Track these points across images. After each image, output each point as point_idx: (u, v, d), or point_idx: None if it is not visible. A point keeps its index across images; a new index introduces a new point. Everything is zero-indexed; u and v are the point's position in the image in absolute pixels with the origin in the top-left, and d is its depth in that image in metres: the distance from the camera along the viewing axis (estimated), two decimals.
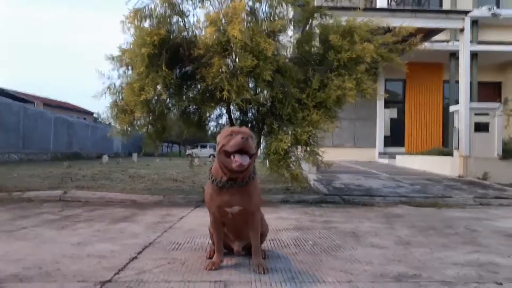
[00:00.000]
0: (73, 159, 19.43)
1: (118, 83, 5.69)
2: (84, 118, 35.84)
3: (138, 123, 6.02)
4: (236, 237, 2.60)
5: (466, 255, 2.91)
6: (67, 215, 4.43)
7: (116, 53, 5.53)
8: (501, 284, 2.26)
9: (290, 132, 5.55)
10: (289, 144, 5.30)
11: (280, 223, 4.12)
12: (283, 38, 6.16)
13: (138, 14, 5.17)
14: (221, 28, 5.05)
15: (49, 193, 5.83)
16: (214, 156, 2.53)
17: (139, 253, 2.80)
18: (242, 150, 2.21)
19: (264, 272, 2.35)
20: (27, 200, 5.50)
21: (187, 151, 34.98)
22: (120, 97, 5.67)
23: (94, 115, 40.36)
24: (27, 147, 17.70)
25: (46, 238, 3.22)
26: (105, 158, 16.97)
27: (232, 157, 2.23)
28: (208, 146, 35.43)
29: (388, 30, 6.35)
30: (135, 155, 19.97)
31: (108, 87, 5.67)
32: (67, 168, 11.07)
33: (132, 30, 5.30)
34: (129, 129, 5.89)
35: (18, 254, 2.69)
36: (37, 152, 18.50)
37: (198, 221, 4.09)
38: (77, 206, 5.12)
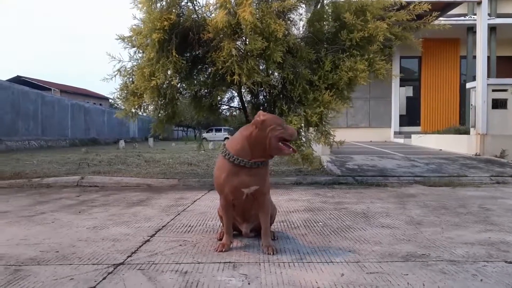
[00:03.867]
0: (91, 144, 19.83)
1: (129, 65, 5.71)
2: (101, 104, 36.33)
3: (150, 107, 6.08)
4: (244, 219, 2.65)
5: (477, 234, 2.90)
6: (84, 200, 4.55)
7: (127, 34, 5.55)
8: (511, 262, 2.24)
9: (301, 113, 5.52)
10: (299, 126, 5.28)
11: (292, 204, 4.15)
12: (294, 17, 6.06)
13: None
14: (231, 10, 5.00)
15: (67, 178, 5.98)
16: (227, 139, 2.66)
17: (152, 236, 2.87)
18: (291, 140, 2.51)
19: (272, 253, 2.39)
20: (46, 186, 5.66)
21: (202, 135, 35.20)
22: (131, 79, 5.69)
23: (110, 100, 40.85)
24: (45, 134, 18.10)
25: (64, 223, 3.32)
26: (122, 143, 17.24)
27: (280, 143, 2.41)
28: (222, 130, 35.56)
29: (401, 7, 6.17)
30: (151, 140, 20.22)
31: (119, 70, 5.69)
32: (85, 154, 11.31)
33: (142, 15, 5.30)
34: (138, 112, 5.93)
35: (37, 238, 2.80)
36: (56, 138, 18.91)
37: (211, 204, 4.16)
38: (93, 191, 5.25)
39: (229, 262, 2.26)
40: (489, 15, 11.57)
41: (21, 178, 6.06)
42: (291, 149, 2.44)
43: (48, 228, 3.12)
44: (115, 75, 5.60)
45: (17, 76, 35.13)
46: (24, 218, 3.51)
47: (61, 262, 2.26)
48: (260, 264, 2.22)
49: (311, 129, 5.72)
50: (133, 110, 5.70)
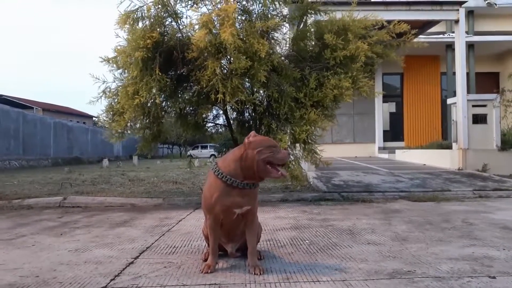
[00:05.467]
0: (74, 164, 19.50)
1: (113, 86, 5.69)
2: (84, 122, 35.93)
3: (137, 126, 6.03)
4: (229, 239, 2.62)
5: (461, 249, 2.92)
6: (66, 221, 4.45)
7: (111, 55, 5.54)
8: (494, 277, 2.26)
9: (288, 131, 5.57)
10: (288, 143, 5.32)
11: (278, 222, 4.13)
12: (278, 36, 6.15)
13: (131, 17, 5.16)
14: (213, 30, 5.05)
15: (49, 199, 5.85)
16: (215, 157, 2.61)
17: (136, 257, 2.82)
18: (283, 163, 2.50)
19: (259, 274, 2.36)
20: (27, 208, 5.52)
21: (188, 152, 34.96)
22: (116, 100, 5.66)
23: (94, 119, 40.37)
24: (27, 153, 17.75)
25: (44, 246, 3.23)
26: (105, 162, 17.00)
27: (268, 166, 2.37)
28: (208, 147, 35.43)
29: (382, 26, 6.33)
30: (135, 158, 20.00)
31: (104, 91, 5.67)
32: (67, 174, 11.11)
33: (124, 34, 5.31)
34: (126, 132, 5.89)
35: (16, 263, 2.71)
36: (38, 158, 18.56)
37: (196, 223, 4.11)
38: (76, 212, 5.14)
39: (215, 283, 2.23)
40: (467, 33, 11.93)
41: (1, 200, 5.90)
42: (279, 173, 2.37)
43: (28, 252, 3.03)
44: (100, 97, 5.57)
45: None
46: (2, 242, 3.41)
47: None
48: (246, 285, 2.19)
49: (298, 147, 5.75)
50: (120, 131, 5.65)
